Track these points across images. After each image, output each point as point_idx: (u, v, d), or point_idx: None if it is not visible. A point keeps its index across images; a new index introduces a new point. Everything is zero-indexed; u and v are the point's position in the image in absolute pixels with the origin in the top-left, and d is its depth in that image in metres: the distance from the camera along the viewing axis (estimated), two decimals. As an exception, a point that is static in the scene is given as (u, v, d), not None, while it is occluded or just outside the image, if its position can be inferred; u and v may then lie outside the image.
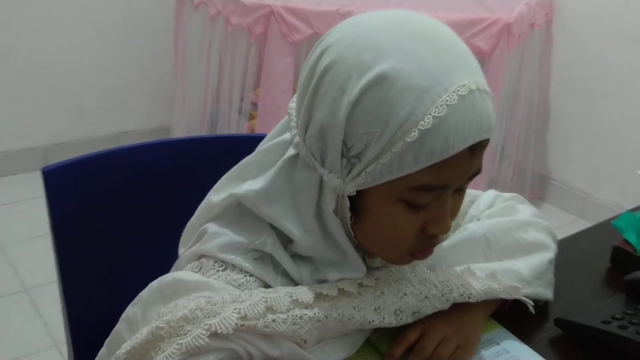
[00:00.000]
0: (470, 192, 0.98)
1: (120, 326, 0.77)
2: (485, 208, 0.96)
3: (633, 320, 0.85)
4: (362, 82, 0.66)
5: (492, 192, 1.00)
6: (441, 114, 0.64)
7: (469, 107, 0.66)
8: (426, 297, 0.79)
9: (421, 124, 0.65)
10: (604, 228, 1.15)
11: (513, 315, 0.89)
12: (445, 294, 0.80)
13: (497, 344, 0.85)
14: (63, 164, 1.03)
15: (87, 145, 2.98)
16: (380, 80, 0.65)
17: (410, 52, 0.66)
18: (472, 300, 0.81)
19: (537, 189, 3.07)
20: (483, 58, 2.56)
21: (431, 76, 0.65)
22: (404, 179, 0.67)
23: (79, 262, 1.06)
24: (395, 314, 0.77)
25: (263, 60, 2.58)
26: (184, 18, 2.82)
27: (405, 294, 0.77)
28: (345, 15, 2.46)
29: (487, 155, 2.34)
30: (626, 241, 1.06)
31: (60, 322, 1.09)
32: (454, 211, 0.75)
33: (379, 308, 0.76)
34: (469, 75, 0.67)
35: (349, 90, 0.66)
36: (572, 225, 2.82)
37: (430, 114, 0.65)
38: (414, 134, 0.65)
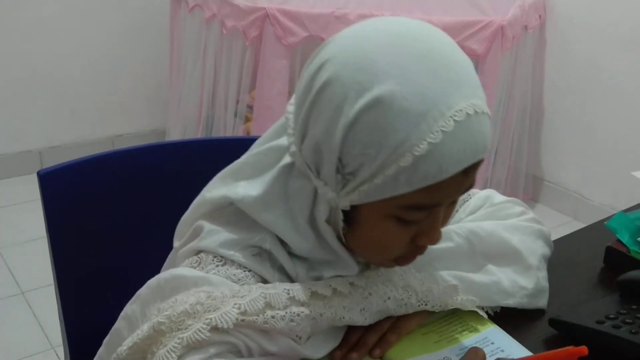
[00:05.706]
0: None
1: (119, 324, 0.77)
2: (476, 209, 0.97)
3: (626, 320, 0.85)
4: (359, 104, 0.65)
5: (484, 193, 0.99)
6: (436, 140, 0.64)
7: (464, 132, 0.65)
8: (405, 304, 0.80)
9: (416, 150, 0.64)
10: (598, 229, 1.15)
11: (507, 315, 0.89)
12: (422, 305, 0.81)
13: (485, 337, 0.85)
14: (59, 167, 1.03)
15: (82, 148, 2.99)
16: (376, 103, 0.65)
17: (407, 74, 0.65)
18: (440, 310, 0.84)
19: (530, 190, 3.07)
20: (477, 60, 2.56)
21: (428, 100, 0.65)
22: (397, 198, 0.68)
23: (75, 265, 1.07)
24: (376, 314, 0.79)
25: (258, 63, 2.57)
26: (179, 21, 2.82)
27: (388, 298, 0.79)
28: (340, 17, 2.46)
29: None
30: (619, 242, 1.07)
31: (56, 325, 1.09)
32: (445, 220, 0.76)
33: (364, 309, 0.78)
34: (467, 96, 0.66)
35: (345, 111, 0.66)
36: (566, 226, 2.82)
37: (425, 140, 0.64)
38: (408, 159, 0.65)
